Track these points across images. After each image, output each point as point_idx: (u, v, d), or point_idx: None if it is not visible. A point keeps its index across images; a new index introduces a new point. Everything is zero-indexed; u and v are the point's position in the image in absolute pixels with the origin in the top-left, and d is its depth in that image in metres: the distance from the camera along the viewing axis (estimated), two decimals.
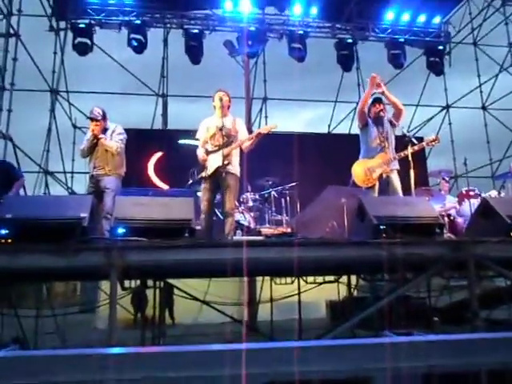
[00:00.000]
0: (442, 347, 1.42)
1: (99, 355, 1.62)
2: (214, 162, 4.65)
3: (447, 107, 12.02)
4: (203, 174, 4.75)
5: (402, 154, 4.92)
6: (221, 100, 4.73)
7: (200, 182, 4.89)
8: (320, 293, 6.71)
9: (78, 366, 1.58)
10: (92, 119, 4.97)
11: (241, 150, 4.79)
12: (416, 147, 4.87)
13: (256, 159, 9.35)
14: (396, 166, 5.08)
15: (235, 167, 4.73)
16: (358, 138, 5.39)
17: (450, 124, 11.96)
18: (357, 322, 3.62)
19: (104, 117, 5.06)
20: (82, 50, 9.45)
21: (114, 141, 5.04)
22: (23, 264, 3.00)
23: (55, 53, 10.00)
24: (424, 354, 1.39)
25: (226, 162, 4.57)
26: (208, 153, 4.73)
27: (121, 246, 3.04)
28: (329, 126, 12.28)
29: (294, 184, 7.32)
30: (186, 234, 3.26)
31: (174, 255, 3.10)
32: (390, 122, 5.16)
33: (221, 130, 4.64)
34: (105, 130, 5.08)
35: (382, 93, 5.04)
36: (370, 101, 5.17)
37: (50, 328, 5.95)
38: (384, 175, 4.97)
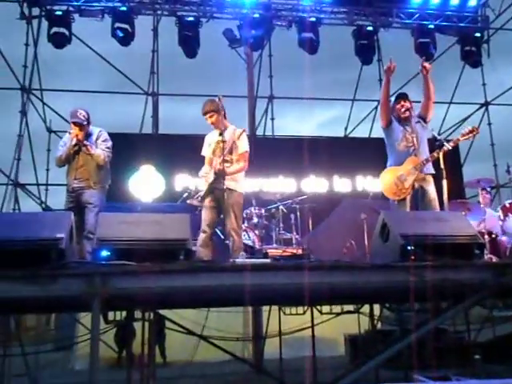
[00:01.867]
0: None
1: None
2: (209, 179, 4.94)
3: (486, 104, 12.03)
4: (201, 194, 5.05)
5: (436, 154, 4.88)
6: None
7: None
8: (337, 325, 6.70)
9: None
10: (75, 124, 5.01)
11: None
12: (451, 143, 4.85)
13: (261, 168, 9.51)
14: (430, 170, 5.08)
15: (237, 183, 4.94)
16: (380, 142, 5.42)
17: (489, 124, 11.96)
18: (382, 360, 3.61)
19: (88, 121, 5.13)
20: (59, 41, 9.54)
21: (101, 149, 5.10)
22: None
23: (27, 44, 10.12)
24: None
25: (219, 179, 4.76)
26: None
27: (104, 272, 3.06)
28: (345, 129, 12.35)
29: (304, 197, 7.36)
30: (182, 257, 3.28)
31: (167, 281, 3.11)
32: (420, 120, 5.17)
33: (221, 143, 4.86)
34: (87, 136, 5.14)
35: (427, 72, 5.05)
36: (393, 98, 5.21)
37: (20, 369, 5.95)
38: (417, 184, 4.97)
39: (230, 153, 4.95)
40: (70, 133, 5.18)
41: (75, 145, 5.05)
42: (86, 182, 5.04)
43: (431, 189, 5.02)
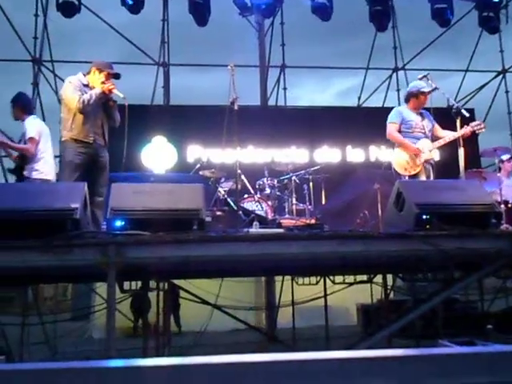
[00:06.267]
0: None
1: (100, 369, 1.65)
2: None
3: (503, 72, 11.77)
4: None
5: (447, 139, 5.16)
6: None
7: None
8: (350, 295, 6.73)
9: (76, 382, 1.61)
10: (115, 77, 4.77)
11: None
12: (462, 132, 5.01)
13: (273, 139, 9.43)
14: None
15: None
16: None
17: (506, 92, 11.73)
18: (396, 329, 3.62)
19: None
20: (68, 10, 9.39)
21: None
22: (3, 263, 3.04)
23: (37, 15, 10.03)
24: (494, 368, 1.38)
25: None
26: None
27: (119, 242, 3.08)
28: (359, 99, 12.16)
29: (317, 168, 7.31)
30: (195, 227, 3.28)
31: (181, 251, 3.13)
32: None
33: None
34: None
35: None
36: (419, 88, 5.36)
37: (38, 338, 6.08)
38: (426, 164, 5.26)
39: None
40: (83, 79, 4.77)
41: (107, 98, 4.68)
42: (103, 141, 4.75)
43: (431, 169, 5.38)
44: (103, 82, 4.66)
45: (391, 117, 5.50)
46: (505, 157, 6.53)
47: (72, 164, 4.56)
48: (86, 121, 4.60)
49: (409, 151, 5.23)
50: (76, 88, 4.62)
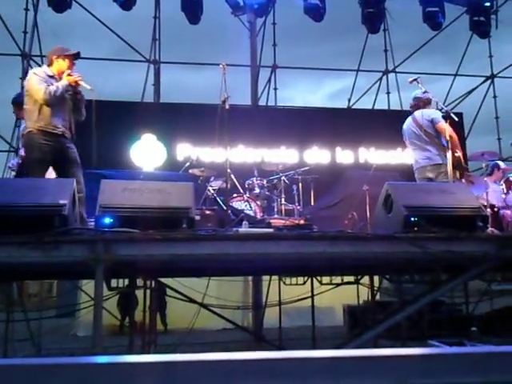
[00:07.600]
0: (503, 360, 1.42)
1: (83, 365, 1.64)
2: None
3: (492, 77, 11.90)
4: None
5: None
6: None
7: None
8: (337, 296, 6.75)
9: (58, 378, 1.60)
10: (77, 56, 4.61)
11: None
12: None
13: (263, 139, 9.44)
14: None
15: None
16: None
17: (494, 97, 11.85)
18: (382, 330, 3.65)
19: None
20: (59, 5, 9.36)
21: None
22: None
23: (27, 9, 9.97)
24: (483, 368, 1.39)
25: None
26: None
27: (107, 239, 3.07)
28: (349, 100, 12.22)
29: (307, 168, 7.34)
30: (184, 225, 3.29)
31: (171, 249, 3.13)
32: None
33: None
34: None
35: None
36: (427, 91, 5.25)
37: (23, 334, 6.03)
38: None
39: None
40: (48, 71, 4.56)
41: (74, 91, 4.51)
42: (70, 134, 4.57)
43: None
44: (69, 74, 4.48)
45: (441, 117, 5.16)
46: (502, 165, 6.63)
47: (39, 157, 4.37)
48: (54, 113, 4.43)
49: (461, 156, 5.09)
50: (42, 79, 4.44)
